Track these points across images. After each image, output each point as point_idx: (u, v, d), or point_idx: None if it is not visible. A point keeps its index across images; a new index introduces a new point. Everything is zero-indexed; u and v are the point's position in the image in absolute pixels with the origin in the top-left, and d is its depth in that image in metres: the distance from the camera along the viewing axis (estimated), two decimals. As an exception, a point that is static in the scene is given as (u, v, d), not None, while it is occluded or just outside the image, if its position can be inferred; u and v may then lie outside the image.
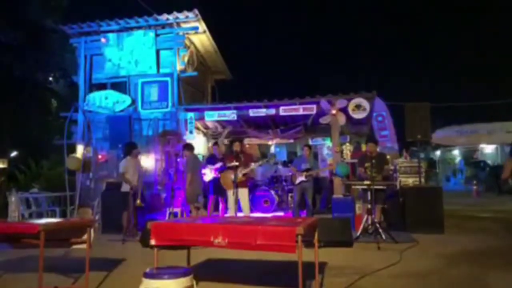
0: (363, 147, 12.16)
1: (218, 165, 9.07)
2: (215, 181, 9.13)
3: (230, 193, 7.99)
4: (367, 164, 7.73)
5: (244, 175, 8.09)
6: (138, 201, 8.04)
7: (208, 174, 9.32)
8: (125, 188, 8.22)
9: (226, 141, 12.32)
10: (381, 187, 7.48)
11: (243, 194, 8.19)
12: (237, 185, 7.71)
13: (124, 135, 10.11)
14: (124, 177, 8.23)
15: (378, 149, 8.35)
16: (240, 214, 8.14)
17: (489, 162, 23.72)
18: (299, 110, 10.16)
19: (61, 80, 16.52)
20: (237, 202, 7.89)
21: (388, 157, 8.87)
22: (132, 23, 11.28)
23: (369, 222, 7.19)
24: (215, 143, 9.70)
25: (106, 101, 11.23)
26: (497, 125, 19.88)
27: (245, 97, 10.53)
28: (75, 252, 5.77)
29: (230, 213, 8.03)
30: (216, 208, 9.48)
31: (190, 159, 8.68)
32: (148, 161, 10.57)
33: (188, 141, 10.63)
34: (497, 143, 22.84)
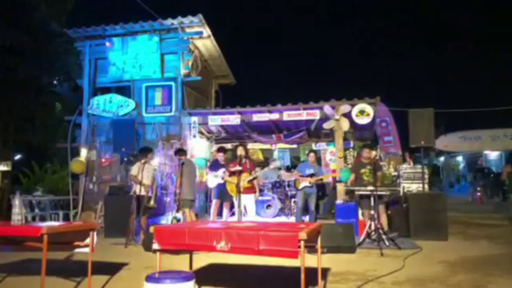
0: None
1: (221, 171, 9.02)
2: (220, 186, 9.11)
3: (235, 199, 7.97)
4: (363, 170, 7.74)
5: (249, 182, 8.06)
6: (152, 202, 8.08)
7: (212, 180, 9.29)
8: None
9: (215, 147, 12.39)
10: (383, 192, 7.46)
11: (250, 200, 8.17)
12: (240, 190, 7.64)
13: (127, 139, 10.13)
14: (133, 177, 8.27)
15: (382, 154, 8.35)
16: (245, 219, 8.10)
17: (493, 168, 23.65)
18: (303, 115, 10.17)
19: (65, 83, 16.56)
20: (239, 207, 7.83)
21: (391, 163, 8.86)
22: (137, 27, 11.33)
23: (372, 228, 7.17)
24: (220, 149, 9.60)
25: (110, 105, 11.27)
26: (500, 131, 19.80)
27: (248, 102, 10.56)
28: (77, 256, 5.79)
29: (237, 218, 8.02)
30: (219, 213, 9.46)
31: (185, 164, 8.62)
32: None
33: (191, 145, 10.66)
34: (501, 149, 22.75)
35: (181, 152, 8.78)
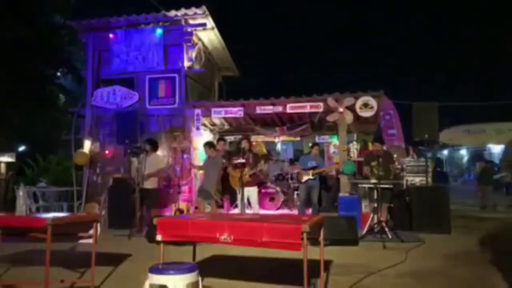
0: (370, 146, 12.13)
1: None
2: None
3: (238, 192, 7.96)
4: (373, 163, 7.72)
5: (251, 175, 8.02)
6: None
7: None
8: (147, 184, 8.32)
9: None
10: (387, 186, 7.45)
11: (252, 192, 8.13)
12: (243, 183, 7.63)
13: (131, 131, 10.13)
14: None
15: (384, 148, 8.33)
16: (248, 212, 8.08)
17: (497, 162, 23.56)
18: (306, 107, 10.14)
19: (69, 75, 16.59)
20: (242, 200, 7.83)
21: (395, 156, 8.83)
22: (141, 19, 11.30)
23: (375, 221, 7.18)
24: (220, 139, 9.67)
25: (113, 97, 11.27)
26: (504, 125, 19.74)
27: (252, 94, 10.53)
28: (81, 247, 5.82)
29: (239, 211, 8.02)
30: (221, 206, 9.48)
31: (217, 157, 8.80)
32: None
33: (194, 137, 10.68)
34: (505, 143, 22.67)
35: (210, 145, 8.88)
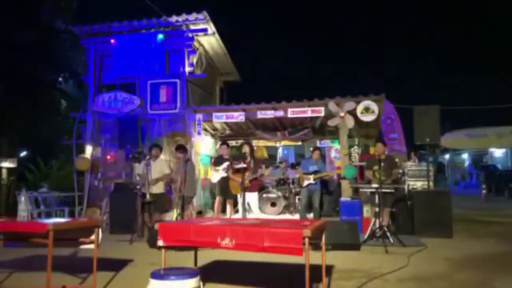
0: (372, 150, 12.12)
1: (225, 165, 9.01)
2: (222, 182, 9.11)
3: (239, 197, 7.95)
4: (375, 167, 7.69)
5: (251, 181, 7.99)
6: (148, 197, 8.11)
7: (215, 175, 9.31)
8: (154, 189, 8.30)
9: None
10: (389, 190, 7.43)
11: (252, 197, 8.11)
12: (244, 188, 7.61)
13: (132, 136, 10.15)
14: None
15: (386, 152, 8.31)
16: (250, 217, 8.07)
17: (499, 166, 23.57)
18: (307, 112, 10.13)
19: (70, 80, 16.64)
20: (244, 205, 7.81)
21: (396, 160, 8.82)
22: (142, 24, 11.35)
23: (377, 225, 7.16)
24: (224, 143, 9.67)
25: (115, 102, 11.29)
26: (506, 128, 19.72)
27: (253, 99, 10.53)
28: (83, 252, 5.82)
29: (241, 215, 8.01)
30: (223, 210, 9.46)
31: (184, 160, 8.69)
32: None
33: (194, 142, 10.68)
34: (507, 147, 22.69)
35: (182, 148, 8.77)
